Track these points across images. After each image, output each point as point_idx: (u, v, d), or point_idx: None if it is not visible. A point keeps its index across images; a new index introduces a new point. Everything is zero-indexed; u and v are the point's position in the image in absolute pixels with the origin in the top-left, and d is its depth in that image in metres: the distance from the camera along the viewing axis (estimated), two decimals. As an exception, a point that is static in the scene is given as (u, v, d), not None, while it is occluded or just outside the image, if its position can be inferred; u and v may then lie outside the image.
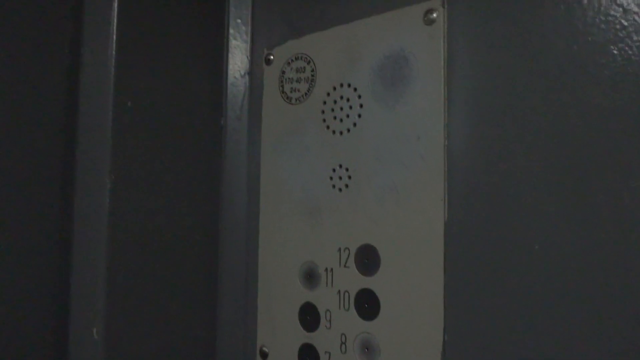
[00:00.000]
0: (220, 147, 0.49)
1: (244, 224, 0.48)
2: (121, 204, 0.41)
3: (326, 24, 0.43)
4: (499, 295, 0.34)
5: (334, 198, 0.41)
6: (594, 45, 0.31)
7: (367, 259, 0.39)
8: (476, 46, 0.36)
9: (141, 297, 0.42)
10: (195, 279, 0.46)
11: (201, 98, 0.48)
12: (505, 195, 0.34)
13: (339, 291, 0.41)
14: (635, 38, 0.30)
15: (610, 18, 0.31)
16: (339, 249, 0.41)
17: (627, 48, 0.30)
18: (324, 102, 0.43)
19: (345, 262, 0.40)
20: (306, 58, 0.44)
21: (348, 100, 0.41)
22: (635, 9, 0.30)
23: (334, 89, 0.42)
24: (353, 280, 0.40)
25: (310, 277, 0.42)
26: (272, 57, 0.47)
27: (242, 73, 0.49)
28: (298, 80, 0.44)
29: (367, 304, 0.39)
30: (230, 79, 0.49)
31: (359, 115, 0.40)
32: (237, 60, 0.49)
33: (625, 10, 0.31)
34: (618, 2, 0.31)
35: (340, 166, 0.41)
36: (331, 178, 0.42)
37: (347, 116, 0.41)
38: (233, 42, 0.50)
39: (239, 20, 0.50)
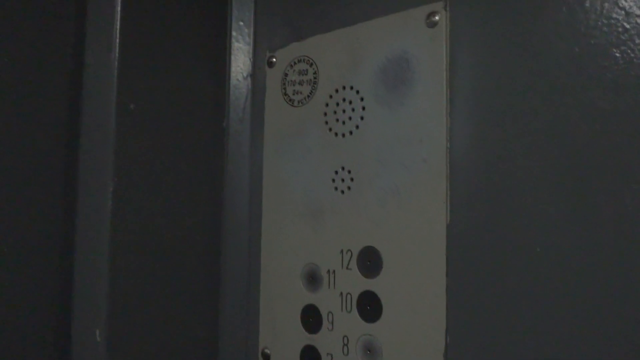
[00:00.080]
0: (223, 149, 0.49)
1: (246, 226, 0.48)
2: (124, 206, 0.41)
3: (328, 26, 0.43)
4: (501, 297, 0.34)
5: (336, 200, 0.41)
6: (596, 47, 0.31)
7: (370, 261, 0.39)
8: (478, 49, 0.36)
9: (143, 299, 0.42)
10: (197, 281, 0.46)
11: (203, 100, 0.48)
12: (507, 198, 0.34)
13: (341, 293, 0.41)
14: (637, 41, 0.30)
15: (612, 21, 0.31)
16: (341, 251, 0.41)
17: (629, 51, 0.30)
18: (327, 105, 0.43)
19: (348, 264, 0.40)
20: (309, 60, 0.44)
21: (350, 102, 0.41)
22: (638, 12, 0.30)
23: (337, 91, 0.42)
24: (355, 282, 0.40)
25: (313, 279, 0.42)
26: (274, 60, 0.47)
27: (245, 75, 0.49)
28: (300, 83, 0.44)
29: (369, 306, 0.39)
30: (233, 81, 0.49)
31: (361, 118, 0.40)
32: (240, 63, 0.49)
33: (627, 13, 0.31)
34: (620, 4, 0.31)
35: (343, 168, 0.41)
36: (333, 180, 0.42)
37: (350, 118, 0.41)
38: (235, 45, 0.50)
39: (241, 23, 0.50)
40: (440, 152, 0.36)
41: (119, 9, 0.41)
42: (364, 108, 0.40)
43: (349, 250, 0.40)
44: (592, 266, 0.31)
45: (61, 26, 0.43)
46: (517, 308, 0.33)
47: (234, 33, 0.50)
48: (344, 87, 0.42)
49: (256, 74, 0.49)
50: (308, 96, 0.44)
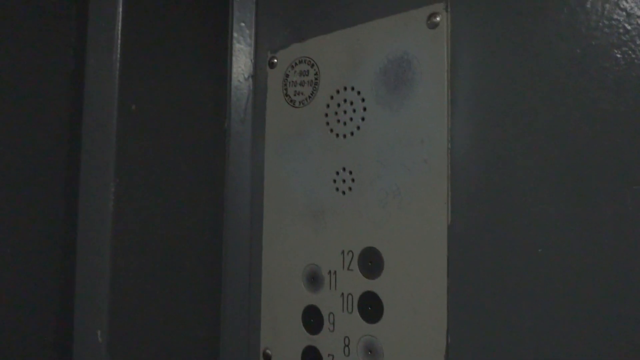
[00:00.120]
0: (224, 150, 0.49)
1: (248, 227, 0.48)
2: (125, 206, 0.41)
3: (330, 27, 0.43)
4: (502, 298, 0.34)
5: (338, 201, 0.41)
6: (597, 48, 0.31)
7: (371, 261, 0.39)
8: (479, 50, 0.36)
9: (145, 300, 0.42)
10: (199, 282, 0.46)
11: (205, 101, 0.48)
12: (508, 199, 0.34)
13: (343, 294, 0.41)
14: (638, 42, 0.30)
15: (613, 22, 0.31)
16: (343, 252, 0.41)
17: (630, 52, 0.30)
18: (328, 106, 0.43)
19: (349, 265, 0.40)
20: (310, 61, 0.44)
21: (351, 103, 0.41)
22: (639, 13, 0.30)
23: (338, 92, 0.42)
24: (356, 283, 0.40)
25: (314, 279, 0.42)
26: (275, 61, 0.47)
27: (246, 76, 0.49)
28: (302, 84, 0.45)
29: (371, 307, 0.39)
30: (234, 82, 0.49)
31: (363, 119, 0.40)
32: (241, 64, 0.50)
33: (628, 14, 0.31)
34: (621, 6, 0.31)
35: (344, 169, 0.41)
36: (334, 181, 0.42)
37: (351, 119, 0.41)
38: (237, 46, 0.50)
39: (242, 24, 0.50)
40: (441, 152, 0.36)
41: (120, 10, 0.41)
42: (365, 109, 0.40)
43: (350, 250, 0.40)
44: (592, 266, 0.31)
45: (62, 27, 0.43)
46: (518, 308, 0.33)
47: (235, 34, 0.50)
48: (345, 88, 0.42)
49: (257, 75, 0.49)
50: (309, 97, 0.44)
